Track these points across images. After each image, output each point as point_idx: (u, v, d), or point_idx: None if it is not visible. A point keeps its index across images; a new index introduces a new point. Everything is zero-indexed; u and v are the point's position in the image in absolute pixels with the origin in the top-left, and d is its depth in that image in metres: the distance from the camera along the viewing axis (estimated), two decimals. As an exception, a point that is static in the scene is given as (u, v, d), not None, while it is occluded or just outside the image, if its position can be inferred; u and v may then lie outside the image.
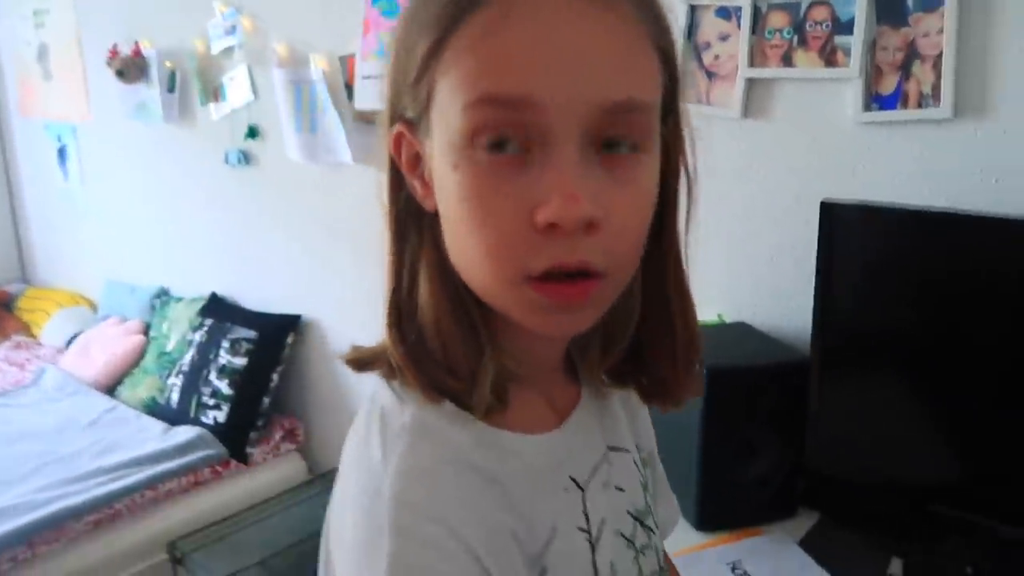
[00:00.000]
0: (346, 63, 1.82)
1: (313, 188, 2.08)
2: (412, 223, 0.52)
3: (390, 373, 0.52)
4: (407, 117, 0.49)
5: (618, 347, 0.56)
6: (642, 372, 0.57)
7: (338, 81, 1.85)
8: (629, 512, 0.59)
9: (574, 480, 0.55)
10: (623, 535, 0.57)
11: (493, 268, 0.46)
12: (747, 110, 1.26)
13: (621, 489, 0.59)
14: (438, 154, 0.47)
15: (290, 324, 2.18)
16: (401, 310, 0.51)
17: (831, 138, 1.19)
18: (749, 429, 1.15)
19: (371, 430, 0.50)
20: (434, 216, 0.50)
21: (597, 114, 0.44)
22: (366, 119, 1.83)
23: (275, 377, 2.15)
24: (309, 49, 1.92)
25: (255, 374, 2.13)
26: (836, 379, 1.14)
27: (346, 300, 2.11)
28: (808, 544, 1.14)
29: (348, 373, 2.27)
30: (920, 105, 1.10)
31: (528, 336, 0.51)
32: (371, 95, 1.74)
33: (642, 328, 0.55)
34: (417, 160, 0.50)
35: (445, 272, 0.50)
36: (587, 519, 0.54)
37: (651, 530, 0.61)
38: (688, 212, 0.54)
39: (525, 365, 0.53)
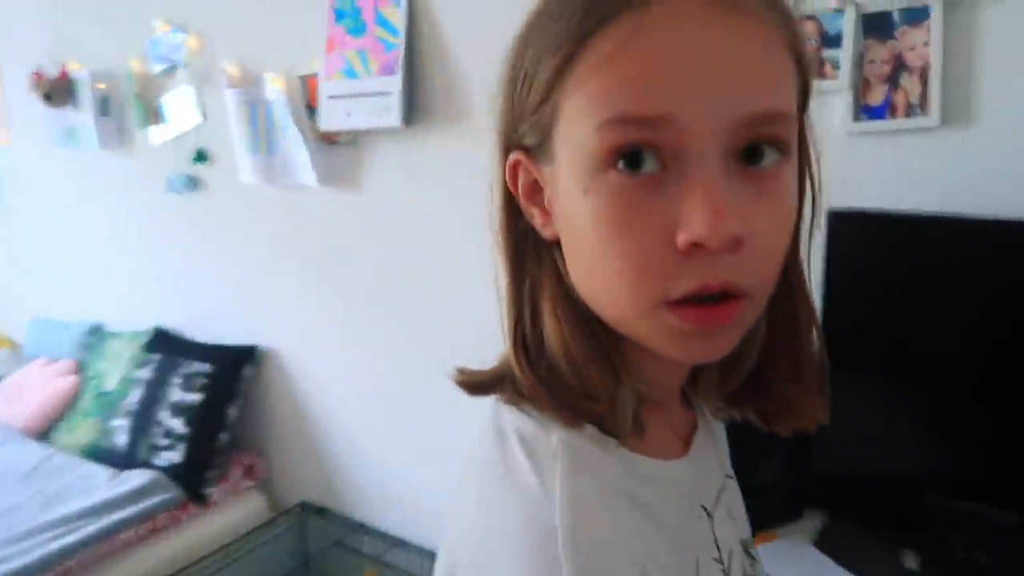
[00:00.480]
0: (306, 83, 1.76)
1: (269, 212, 1.99)
2: (531, 253, 0.50)
3: (515, 399, 0.50)
4: (525, 144, 0.48)
5: (744, 369, 0.53)
6: (762, 395, 0.55)
7: (297, 101, 1.79)
8: (740, 541, 0.57)
9: (704, 508, 0.53)
10: (744, 572, 0.56)
11: (630, 294, 0.44)
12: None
13: (734, 518, 0.57)
14: (564, 179, 0.45)
15: (246, 355, 2.08)
16: (527, 339, 0.49)
17: (822, 147, 1.22)
18: (758, 434, 1.16)
19: (513, 456, 0.47)
20: (554, 245, 0.49)
21: (738, 128, 0.42)
22: (330, 139, 1.78)
23: (232, 411, 2.05)
24: (262, 68, 1.85)
25: (211, 409, 2.02)
26: (839, 381, 1.17)
27: (307, 327, 2.03)
28: (823, 544, 1.15)
29: (312, 402, 2.19)
30: (908, 115, 1.15)
31: (659, 362, 0.48)
32: (337, 115, 1.69)
33: (765, 348, 0.53)
34: (535, 188, 0.49)
35: (569, 300, 0.48)
36: (718, 548, 0.53)
37: (755, 559, 0.60)
38: (812, 224, 0.52)
39: (653, 391, 0.51)
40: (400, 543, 1.97)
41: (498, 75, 0.49)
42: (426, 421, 1.88)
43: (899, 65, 1.15)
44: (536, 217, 0.49)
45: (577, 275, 0.48)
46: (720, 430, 0.62)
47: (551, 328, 0.48)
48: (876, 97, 1.17)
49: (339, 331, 1.98)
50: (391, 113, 1.61)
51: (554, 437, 0.46)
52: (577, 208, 0.44)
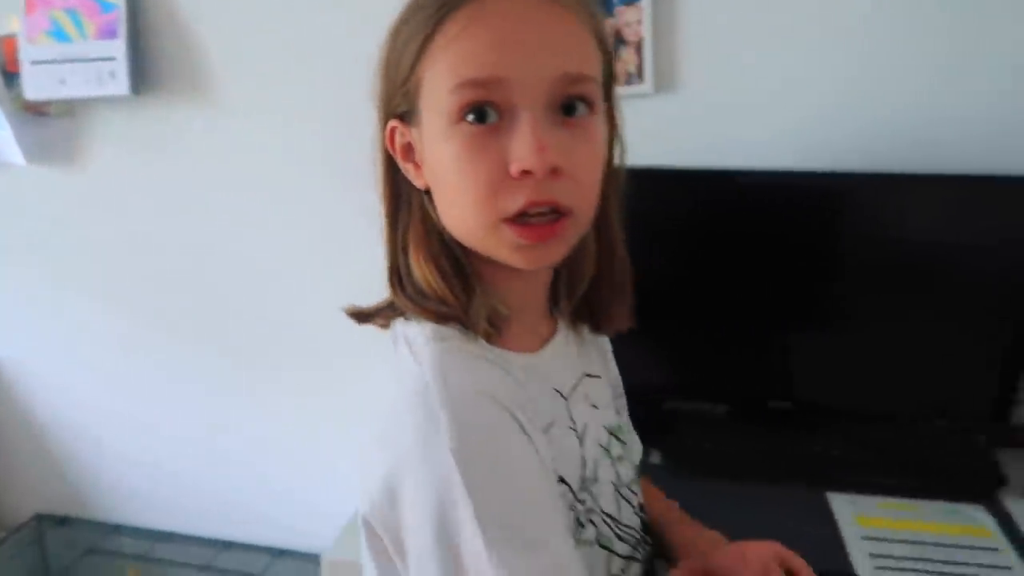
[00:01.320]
0: (2, 46, 1.54)
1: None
2: (404, 203, 0.63)
3: (394, 316, 0.63)
4: (398, 112, 0.60)
5: (580, 287, 0.69)
6: (594, 307, 0.71)
7: (-12, 66, 1.56)
8: (604, 426, 0.71)
9: (558, 391, 0.66)
10: (600, 444, 0.70)
11: (479, 214, 0.57)
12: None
13: (596, 407, 0.71)
14: (429, 134, 0.58)
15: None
16: (401, 270, 0.63)
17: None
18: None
19: (401, 354, 0.60)
20: (424, 193, 0.62)
21: (553, 85, 0.55)
22: (39, 111, 1.58)
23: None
24: (-65, 28, 1.57)
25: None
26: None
27: (29, 326, 1.81)
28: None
29: (43, 410, 2.03)
30: (628, 83, 1.34)
31: (513, 282, 0.63)
32: (48, 83, 1.51)
33: (596, 273, 0.69)
34: (409, 148, 0.61)
35: (433, 235, 0.62)
36: (573, 420, 0.66)
37: (624, 444, 0.75)
38: (620, 175, 0.67)
39: (512, 305, 0.62)
40: (167, 536, 1.88)
41: (377, 61, 0.61)
42: (177, 411, 1.81)
43: (619, 40, 1.33)
44: (411, 171, 0.62)
45: (443, 209, 0.60)
46: (603, 342, 0.80)
47: (416, 258, 0.61)
48: (602, 68, 1.35)
49: (62, 326, 1.79)
50: (117, 81, 1.48)
51: (428, 327, 0.60)
52: (440, 154, 0.57)
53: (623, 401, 0.84)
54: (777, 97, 1.32)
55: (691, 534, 0.78)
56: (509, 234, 0.56)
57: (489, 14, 0.55)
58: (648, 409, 0.97)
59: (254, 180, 1.58)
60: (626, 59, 1.34)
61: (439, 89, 0.56)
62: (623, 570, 0.69)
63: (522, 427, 0.55)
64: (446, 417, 0.52)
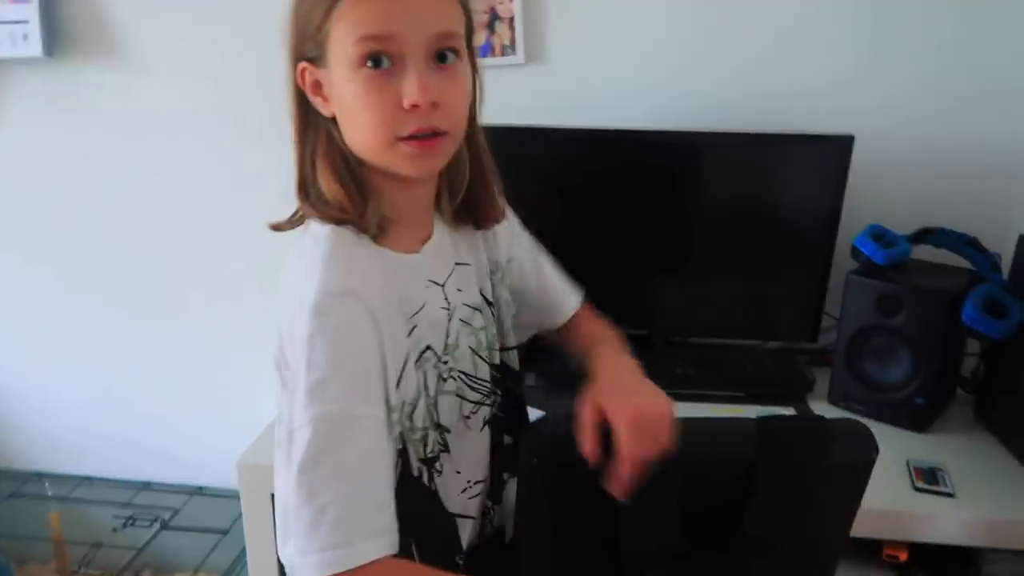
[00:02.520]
0: (-88, 7, 1.60)
1: None
2: (311, 128, 0.80)
3: (299, 223, 0.83)
4: (308, 56, 0.77)
5: (459, 193, 0.89)
6: (472, 208, 0.91)
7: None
8: (466, 304, 0.91)
9: (433, 281, 0.87)
10: (462, 319, 0.90)
11: (379, 135, 0.76)
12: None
13: (461, 290, 0.91)
14: (337, 75, 0.75)
15: None
16: (307, 183, 0.81)
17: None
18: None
19: (305, 243, 0.79)
20: (330, 120, 0.79)
21: (431, 40, 0.74)
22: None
23: None
24: None
25: None
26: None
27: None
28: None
29: None
30: (503, 54, 1.54)
31: (401, 189, 0.82)
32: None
33: (471, 179, 0.89)
34: (318, 84, 0.78)
35: (336, 154, 0.79)
36: (447, 301, 0.88)
37: (491, 315, 0.96)
38: (480, 104, 0.87)
39: (399, 211, 0.83)
40: (86, 480, 1.99)
41: (287, 14, 0.77)
42: (94, 360, 1.92)
43: (494, 15, 1.52)
44: (319, 103, 0.79)
45: (348, 133, 0.78)
46: (481, 238, 0.96)
47: (323, 172, 0.79)
48: (479, 40, 1.54)
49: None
50: (30, 43, 1.58)
51: (327, 227, 0.79)
52: (346, 91, 0.75)
53: (541, 266, 1.07)
54: (632, 65, 1.54)
55: (596, 365, 0.93)
56: (403, 148, 0.75)
57: None
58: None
59: (163, 135, 1.70)
60: (501, 33, 1.53)
61: (344, 41, 0.73)
62: (473, 412, 0.92)
63: (375, 319, 0.74)
64: (309, 306, 0.72)
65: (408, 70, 0.73)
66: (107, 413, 1.95)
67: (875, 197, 1.49)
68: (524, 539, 0.87)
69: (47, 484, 2.00)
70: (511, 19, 1.51)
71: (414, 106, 0.73)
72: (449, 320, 0.88)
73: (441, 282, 0.88)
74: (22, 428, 2.01)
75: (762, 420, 0.84)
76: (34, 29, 1.57)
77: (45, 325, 1.90)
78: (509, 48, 1.53)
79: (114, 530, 1.84)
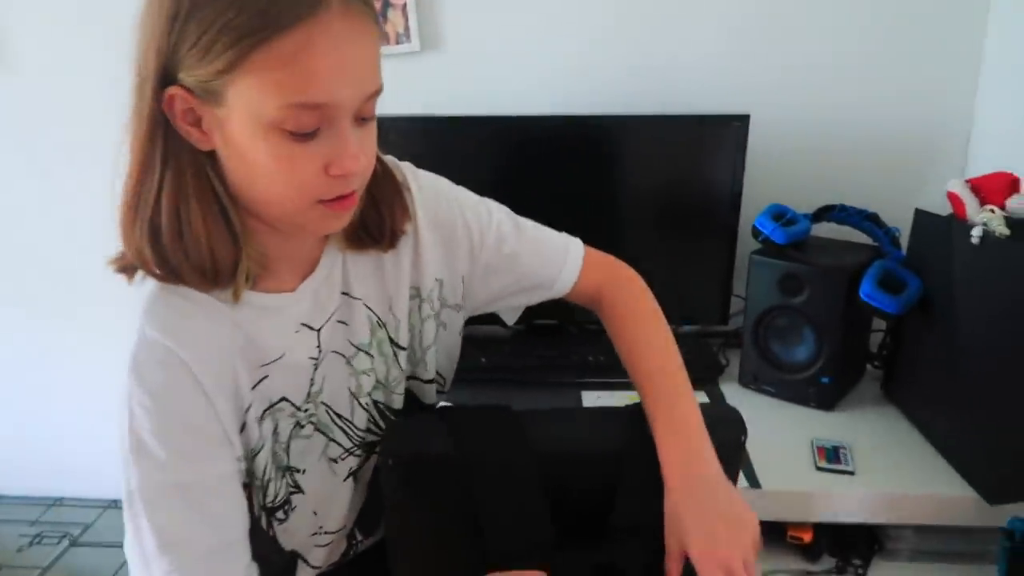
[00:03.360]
0: None
1: None
2: (169, 158, 0.66)
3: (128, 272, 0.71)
4: (185, 84, 0.62)
5: (361, 220, 0.78)
6: (370, 227, 0.79)
7: None
8: (351, 342, 0.82)
9: (306, 324, 0.78)
10: (343, 355, 0.82)
11: (295, 203, 0.66)
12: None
13: (345, 323, 0.82)
14: (240, 123, 0.62)
15: None
16: (136, 221, 0.67)
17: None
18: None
19: (136, 292, 0.70)
20: (203, 154, 0.66)
21: (362, 103, 0.65)
22: None
23: None
24: None
25: None
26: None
27: None
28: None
29: None
30: (398, 42, 1.49)
31: (279, 240, 0.73)
32: None
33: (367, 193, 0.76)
34: (193, 115, 0.64)
35: (207, 193, 0.67)
36: (319, 350, 0.79)
37: (390, 353, 0.86)
38: None
39: (277, 254, 0.74)
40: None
41: (143, 18, 0.63)
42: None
43: (386, 3, 1.47)
44: (193, 135, 0.65)
45: (243, 182, 0.67)
46: (384, 261, 0.84)
47: (196, 216, 0.66)
48: (374, 27, 1.49)
49: None
50: None
51: (150, 281, 0.69)
52: (253, 146, 0.63)
53: (505, 251, 0.91)
54: (527, 52, 1.51)
55: (664, 465, 0.77)
56: (321, 210, 0.67)
57: (319, 43, 0.59)
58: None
59: (40, 136, 1.63)
60: (394, 21, 1.48)
61: (259, 98, 0.60)
62: (341, 456, 0.86)
63: (194, 375, 0.67)
64: (127, 362, 0.67)
65: (335, 134, 0.64)
66: (15, 430, 1.87)
67: (776, 177, 1.48)
68: (392, 540, 0.84)
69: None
70: (404, 6, 1.47)
71: (343, 175, 0.66)
72: (316, 367, 0.80)
73: (316, 326, 0.79)
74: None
75: (631, 408, 0.82)
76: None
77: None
78: (404, 36, 1.49)
79: (19, 549, 1.77)
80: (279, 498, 0.80)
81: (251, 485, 0.77)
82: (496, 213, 0.92)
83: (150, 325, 0.67)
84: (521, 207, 1.54)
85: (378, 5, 1.47)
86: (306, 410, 0.80)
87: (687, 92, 1.50)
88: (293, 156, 0.64)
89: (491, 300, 0.94)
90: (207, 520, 0.69)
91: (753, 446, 1.22)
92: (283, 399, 0.77)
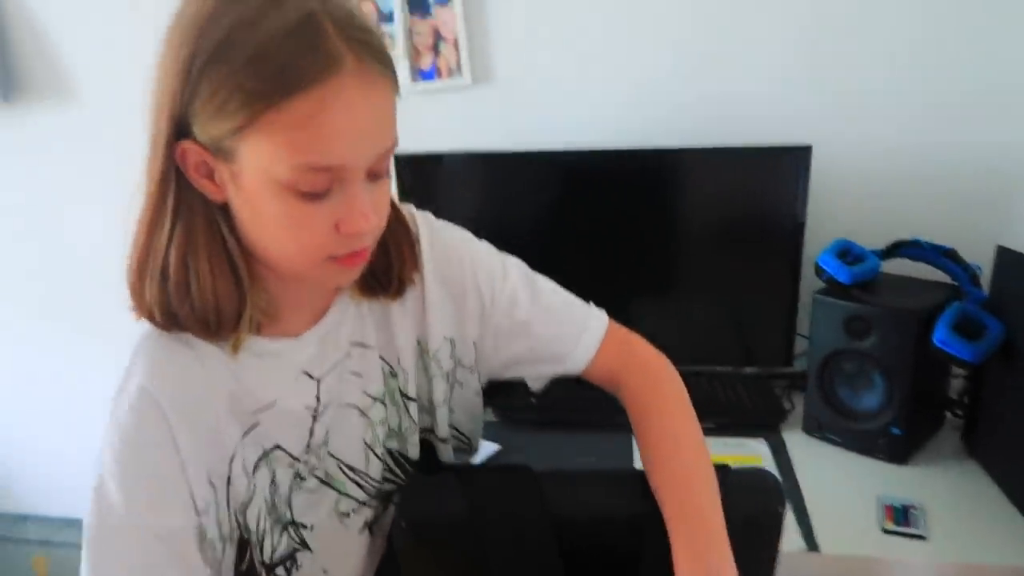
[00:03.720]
0: None
1: None
2: (181, 209, 0.66)
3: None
4: (199, 140, 0.62)
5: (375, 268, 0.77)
6: (380, 277, 0.78)
7: None
8: (365, 392, 0.81)
9: (307, 373, 0.76)
10: (357, 407, 0.80)
11: (306, 260, 0.67)
12: (323, 87, 1.53)
13: (359, 375, 0.80)
14: (252, 179, 0.62)
15: None
16: (147, 270, 0.67)
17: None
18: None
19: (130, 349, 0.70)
20: (215, 206, 0.66)
21: (375, 161, 0.64)
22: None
23: None
24: None
25: None
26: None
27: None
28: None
29: None
30: (450, 76, 1.48)
31: (289, 289, 0.73)
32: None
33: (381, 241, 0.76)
34: (207, 168, 0.64)
35: (219, 245, 0.67)
36: (318, 400, 0.77)
37: (401, 404, 0.84)
38: None
39: (284, 302, 0.74)
40: (71, 523, 1.98)
41: (158, 72, 0.63)
42: (73, 401, 1.90)
43: (438, 37, 1.47)
44: (207, 187, 0.65)
45: (254, 236, 0.67)
46: (394, 311, 0.82)
47: (204, 268, 0.66)
48: (426, 63, 1.49)
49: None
50: (-16, 89, 1.58)
51: (146, 325, 0.70)
52: (264, 202, 0.63)
53: (517, 318, 0.86)
54: (579, 85, 1.47)
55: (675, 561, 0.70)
56: (332, 266, 0.67)
57: (333, 105, 0.59)
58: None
59: (117, 173, 1.69)
60: (446, 55, 1.48)
61: (272, 157, 0.60)
62: (354, 510, 0.83)
63: (168, 421, 0.67)
64: (112, 402, 0.68)
65: (346, 192, 0.64)
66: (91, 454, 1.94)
67: (842, 210, 1.39)
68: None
69: (32, 527, 2.00)
70: (456, 40, 1.46)
71: (356, 233, 0.66)
72: (315, 419, 0.78)
73: (316, 375, 0.77)
74: (7, 471, 2.01)
75: (653, 471, 0.76)
76: (-12, 75, 1.58)
77: (28, 368, 1.90)
78: (455, 70, 1.48)
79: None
80: (278, 554, 0.78)
81: (248, 540, 0.75)
82: (513, 274, 0.88)
83: (137, 365, 0.68)
84: (573, 243, 1.52)
85: (430, 40, 1.48)
86: (306, 461, 0.78)
87: (744, 122, 1.43)
88: (304, 215, 0.63)
89: (506, 366, 0.89)
90: (148, 570, 0.67)
91: (814, 501, 1.14)
92: (277, 447, 0.75)
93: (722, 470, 0.74)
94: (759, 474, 0.74)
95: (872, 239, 1.31)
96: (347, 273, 0.71)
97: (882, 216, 1.39)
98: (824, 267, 1.26)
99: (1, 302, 1.86)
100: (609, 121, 1.48)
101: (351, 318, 0.80)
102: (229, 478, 0.72)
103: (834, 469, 1.23)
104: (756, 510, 0.71)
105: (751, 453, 1.31)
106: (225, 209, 0.67)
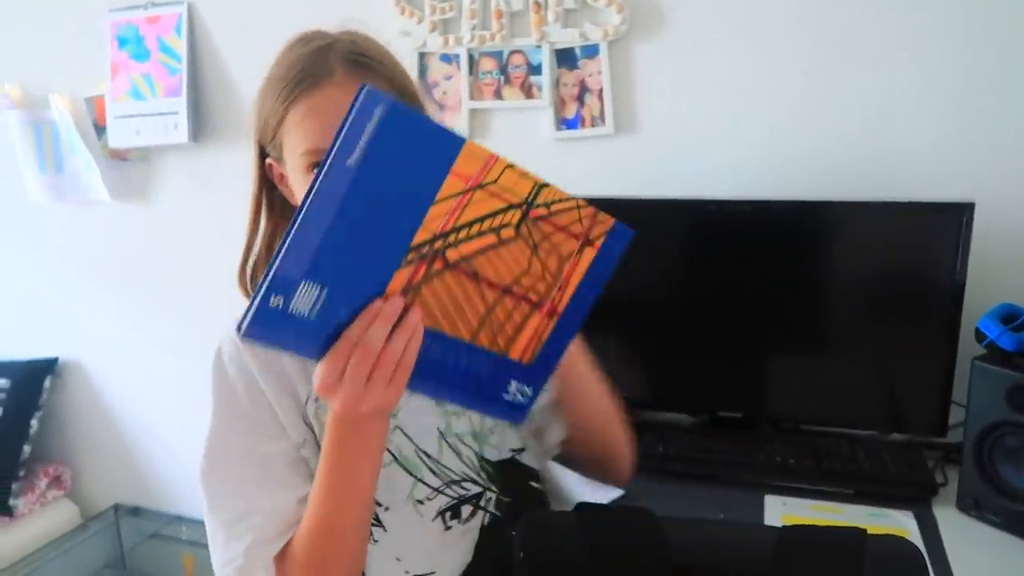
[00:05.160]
0: (93, 103, 1.88)
1: (60, 228, 2.07)
2: (273, 214, 0.88)
3: None
4: (272, 155, 0.84)
5: None
6: None
7: (85, 121, 1.90)
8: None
9: None
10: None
11: None
12: (471, 133, 1.61)
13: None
14: (292, 175, 0.82)
15: (46, 367, 2.13)
16: (252, 267, 0.88)
17: (534, 151, 1.58)
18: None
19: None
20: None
21: None
22: (120, 156, 1.91)
23: (35, 423, 2.10)
24: (46, 90, 1.94)
25: (12, 423, 2.06)
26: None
27: (107, 336, 2.13)
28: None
29: (118, 408, 2.36)
30: (593, 125, 1.52)
31: None
32: (126, 134, 1.83)
33: None
34: (283, 177, 0.85)
35: None
36: None
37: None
38: None
39: None
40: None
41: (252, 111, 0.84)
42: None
43: (584, 88, 1.52)
44: (287, 193, 0.86)
45: None
46: None
47: None
48: (570, 112, 1.54)
49: (137, 337, 2.10)
50: (179, 130, 1.78)
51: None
52: (299, 189, 0.81)
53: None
54: (725, 134, 1.47)
55: None
56: None
57: (320, 105, 0.77)
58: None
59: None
60: (590, 104, 1.52)
61: (294, 150, 0.79)
62: (428, 497, 0.87)
63: (256, 377, 0.83)
64: (212, 370, 0.85)
65: None
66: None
67: (1007, 272, 1.29)
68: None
69: (184, 527, 2.16)
70: (600, 90, 1.50)
71: None
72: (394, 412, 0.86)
73: None
74: (168, 472, 2.20)
75: (785, 530, 0.73)
76: (183, 119, 1.78)
77: (186, 378, 2.07)
78: (599, 119, 1.51)
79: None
80: None
81: None
82: None
83: (226, 333, 0.87)
84: (713, 296, 1.50)
85: (576, 90, 1.52)
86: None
87: (901, 175, 1.37)
88: None
89: None
90: (248, 484, 0.81)
91: (966, 587, 1.05)
92: None
93: (856, 534, 0.71)
94: (898, 541, 0.70)
95: (1043, 305, 1.21)
96: None
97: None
98: (986, 332, 1.18)
99: (172, 320, 2.05)
100: (752, 172, 1.46)
101: None
102: (311, 426, 0.84)
103: (990, 553, 1.13)
104: (894, 581, 0.66)
105: (897, 526, 1.22)
106: None
